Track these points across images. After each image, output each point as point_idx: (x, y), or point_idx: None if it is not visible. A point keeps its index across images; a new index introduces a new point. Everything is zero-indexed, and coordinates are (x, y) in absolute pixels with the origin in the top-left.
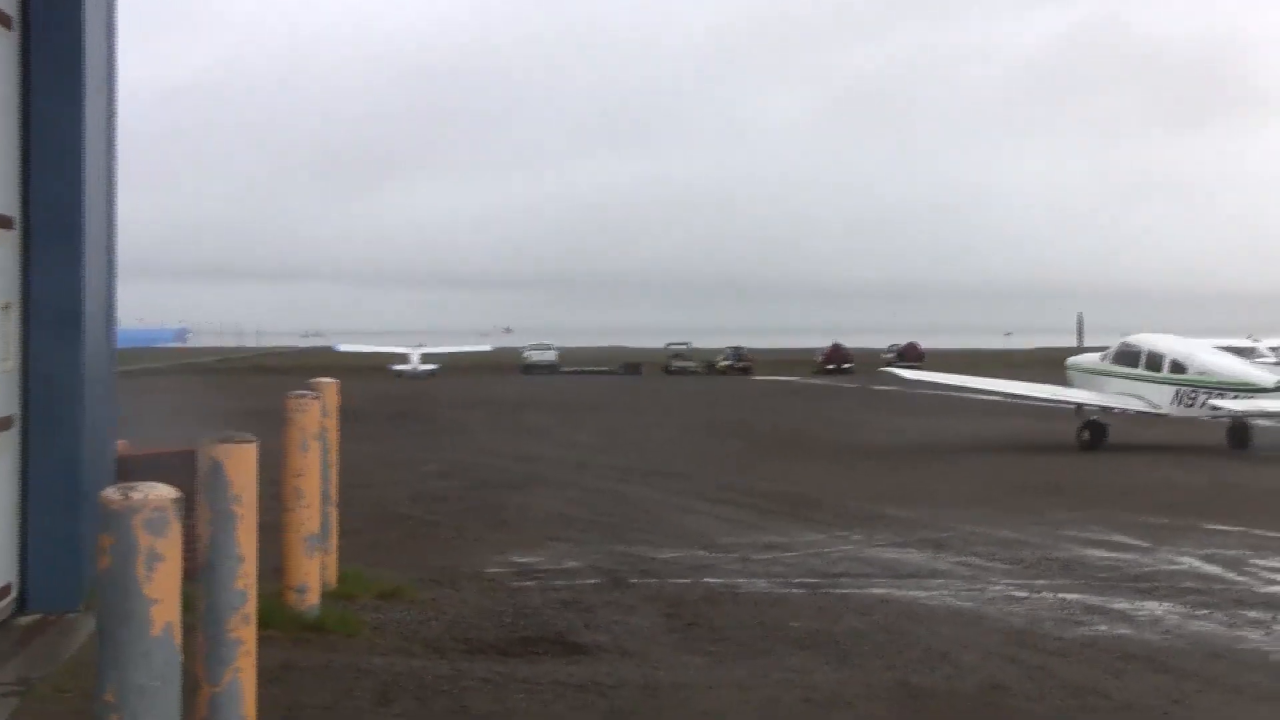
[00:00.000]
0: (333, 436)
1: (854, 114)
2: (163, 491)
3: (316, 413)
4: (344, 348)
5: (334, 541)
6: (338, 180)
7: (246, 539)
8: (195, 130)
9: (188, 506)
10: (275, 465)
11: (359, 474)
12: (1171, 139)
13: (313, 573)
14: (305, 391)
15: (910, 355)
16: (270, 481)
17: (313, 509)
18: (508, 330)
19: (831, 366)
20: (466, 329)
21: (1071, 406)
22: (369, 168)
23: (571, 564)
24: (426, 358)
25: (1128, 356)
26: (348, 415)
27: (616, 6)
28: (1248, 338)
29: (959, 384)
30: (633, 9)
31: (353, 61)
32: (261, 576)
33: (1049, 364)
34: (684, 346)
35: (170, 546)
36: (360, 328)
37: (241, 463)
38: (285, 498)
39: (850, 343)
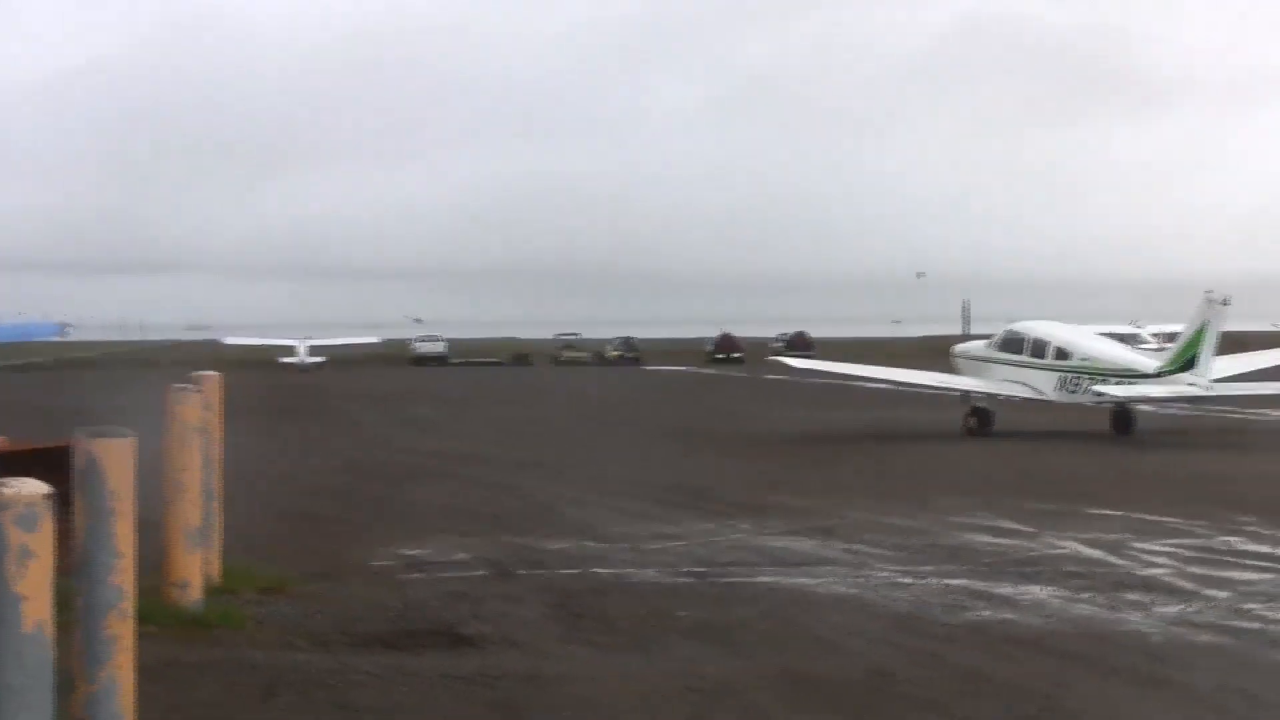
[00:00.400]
0: (215, 430)
1: (744, 105)
2: (34, 487)
3: (197, 406)
4: (231, 340)
5: (218, 536)
6: (222, 172)
7: (124, 535)
8: (73, 121)
9: (65, 502)
10: (159, 460)
11: (246, 467)
12: (1057, 129)
13: (195, 568)
14: (186, 385)
15: (800, 344)
16: (153, 476)
17: (194, 504)
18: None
19: (721, 356)
20: (358, 321)
21: (958, 394)
22: (253, 159)
23: (460, 556)
24: (314, 350)
25: (1012, 344)
26: (234, 408)
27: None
28: (1131, 324)
29: (847, 373)
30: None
31: (234, 51)
32: (144, 572)
33: (936, 352)
34: (574, 337)
35: (42, 543)
36: (248, 321)
37: (118, 458)
38: (166, 492)
39: (740, 332)
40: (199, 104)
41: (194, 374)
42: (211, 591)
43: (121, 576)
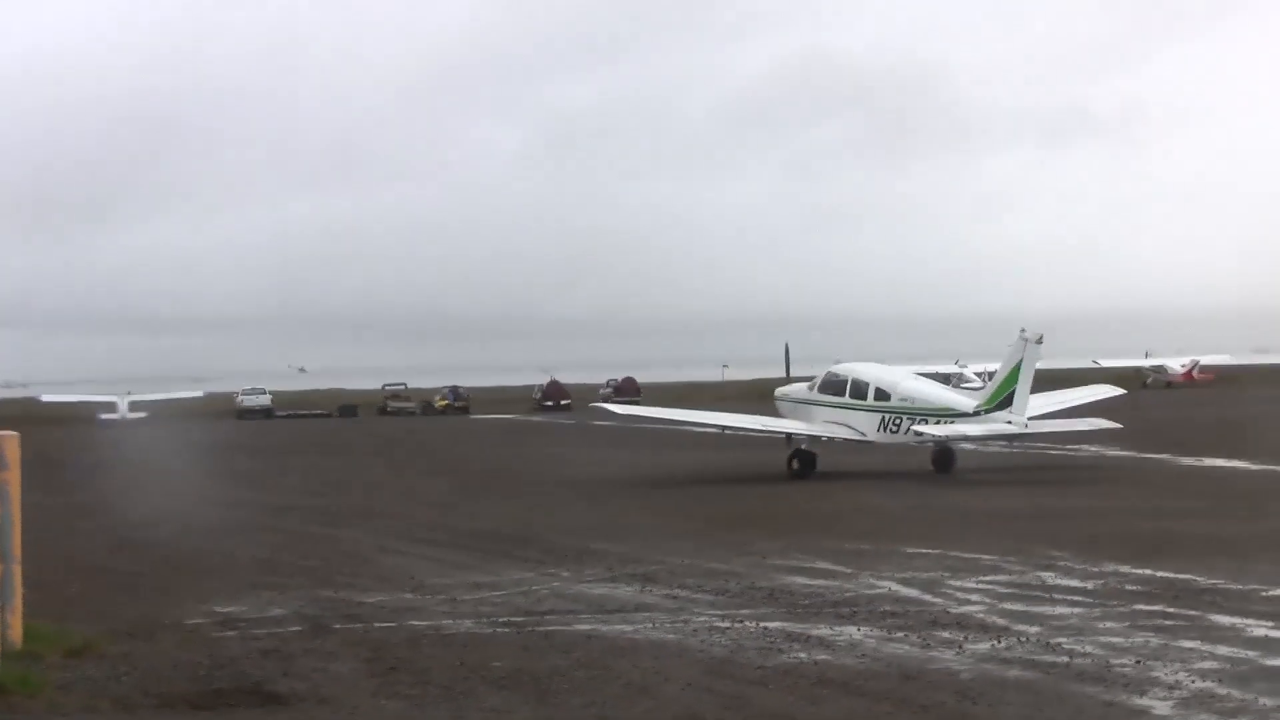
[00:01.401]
0: (13, 490)
1: (566, 148)
2: None
3: None
4: (48, 398)
5: (17, 599)
6: (33, 222)
7: None
8: None
9: None
10: None
11: (58, 525)
12: (877, 167)
13: None
14: None
15: (627, 390)
16: None
17: None
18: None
19: (549, 403)
20: (177, 374)
21: (782, 436)
22: (65, 209)
23: (275, 611)
24: (135, 405)
25: (833, 385)
26: (49, 465)
27: (316, 34)
28: (956, 363)
29: (671, 417)
30: (335, 40)
31: (43, 97)
32: None
33: (763, 395)
34: (400, 387)
35: None
36: (65, 377)
37: None
38: None
39: (568, 379)
40: (5, 154)
41: None
42: (10, 656)
43: None
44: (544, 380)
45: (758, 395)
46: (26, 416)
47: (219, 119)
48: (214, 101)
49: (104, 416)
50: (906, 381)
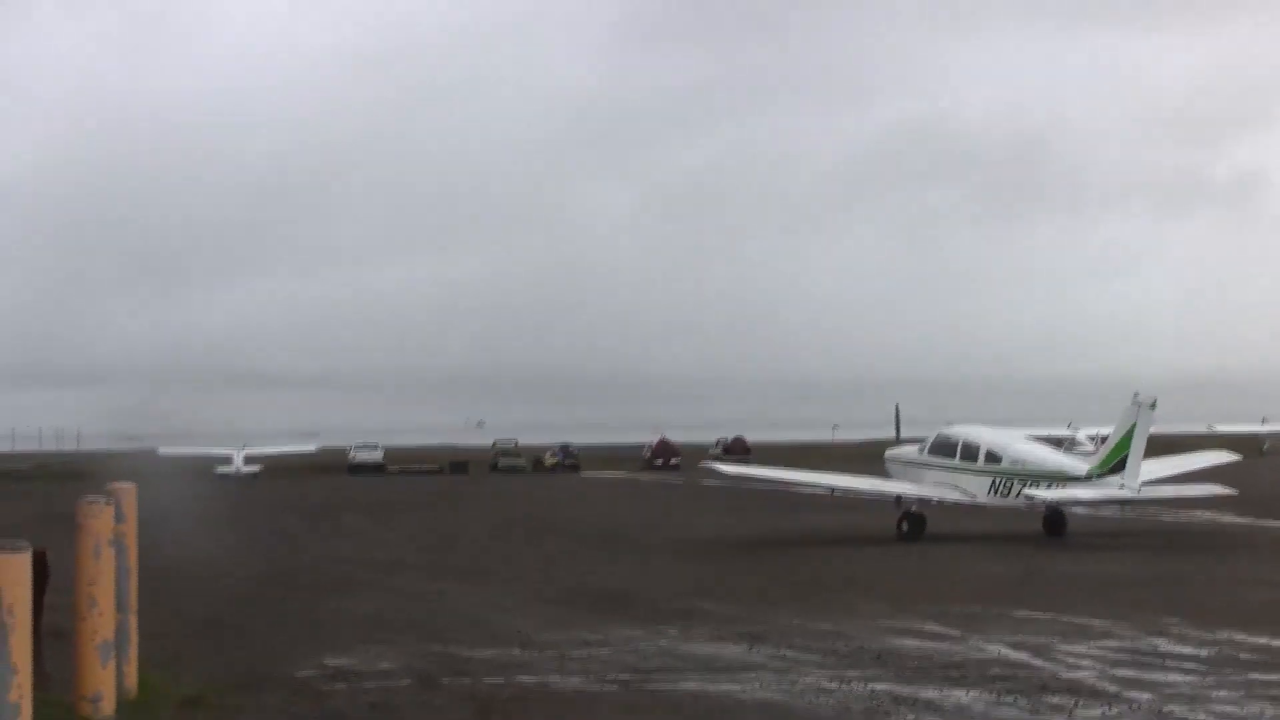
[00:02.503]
0: (130, 541)
1: (678, 211)
2: None
3: (109, 518)
4: (166, 451)
5: (133, 649)
6: (149, 281)
7: (19, 650)
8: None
9: None
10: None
11: (172, 579)
12: (990, 231)
13: (107, 681)
14: (98, 496)
15: (737, 449)
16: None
17: (106, 616)
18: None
19: (659, 462)
20: (295, 429)
21: (891, 498)
22: (177, 269)
23: (384, 665)
24: (250, 459)
25: (944, 447)
26: (165, 518)
27: (432, 98)
28: (1067, 427)
29: (781, 478)
30: (450, 104)
31: (164, 155)
32: (58, 686)
33: (872, 457)
34: (511, 444)
35: None
36: (181, 429)
37: (11, 572)
38: (78, 605)
39: (678, 437)
40: (115, 215)
41: (108, 485)
42: (126, 705)
43: (17, 693)
44: (654, 439)
45: (867, 457)
46: (144, 470)
47: (340, 184)
48: (335, 159)
49: (220, 469)
50: (1018, 444)
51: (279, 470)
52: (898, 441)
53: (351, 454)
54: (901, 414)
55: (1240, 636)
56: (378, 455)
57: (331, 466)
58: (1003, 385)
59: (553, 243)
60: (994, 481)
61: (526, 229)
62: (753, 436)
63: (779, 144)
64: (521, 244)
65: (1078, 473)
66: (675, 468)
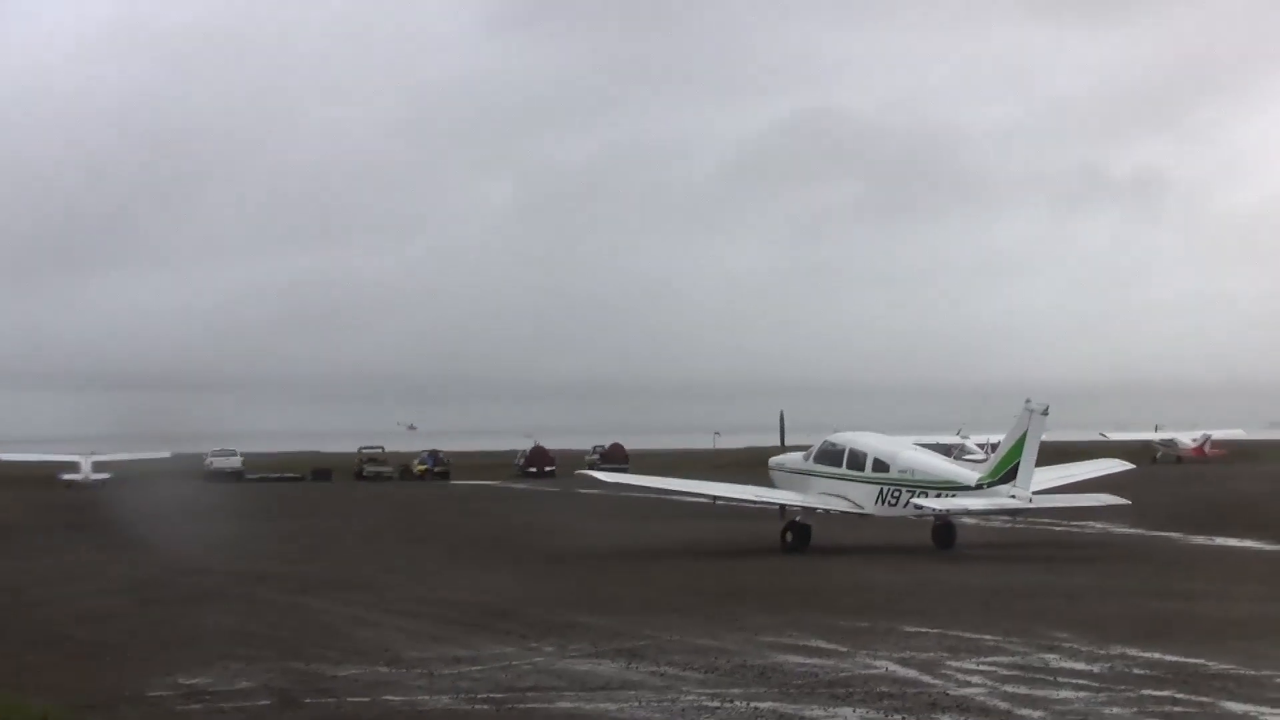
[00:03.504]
0: None
1: (554, 208)
2: None
3: None
4: (5, 456)
5: None
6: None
7: None
8: None
9: None
10: None
11: (15, 593)
12: (877, 230)
13: None
14: None
15: (615, 456)
16: None
17: None
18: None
19: (533, 469)
20: (148, 434)
21: (775, 508)
22: (28, 263)
23: (243, 684)
24: (99, 466)
25: (830, 455)
26: (3, 530)
27: (299, 90)
28: (957, 434)
29: (660, 486)
30: (315, 96)
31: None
32: None
33: (756, 464)
34: (378, 450)
35: None
36: (24, 434)
37: None
38: None
39: (553, 444)
40: None
41: None
42: None
43: None
44: (527, 445)
45: (751, 464)
46: None
47: (192, 180)
48: (190, 154)
49: (66, 476)
50: (906, 452)
51: (131, 478)
52: (782, 449)
53: (208, 460)
54: (786, 420)
55: (1133, 651)
56: (236, 462)
57: (188, 474)
58: (891, 391)
59: (418, 239)
60: (882, 491)
61: (395, 224)
62: (631, 444)
63: (663, 142)
64: (384, 241)
65: (968, 481)
66: (550, 475)
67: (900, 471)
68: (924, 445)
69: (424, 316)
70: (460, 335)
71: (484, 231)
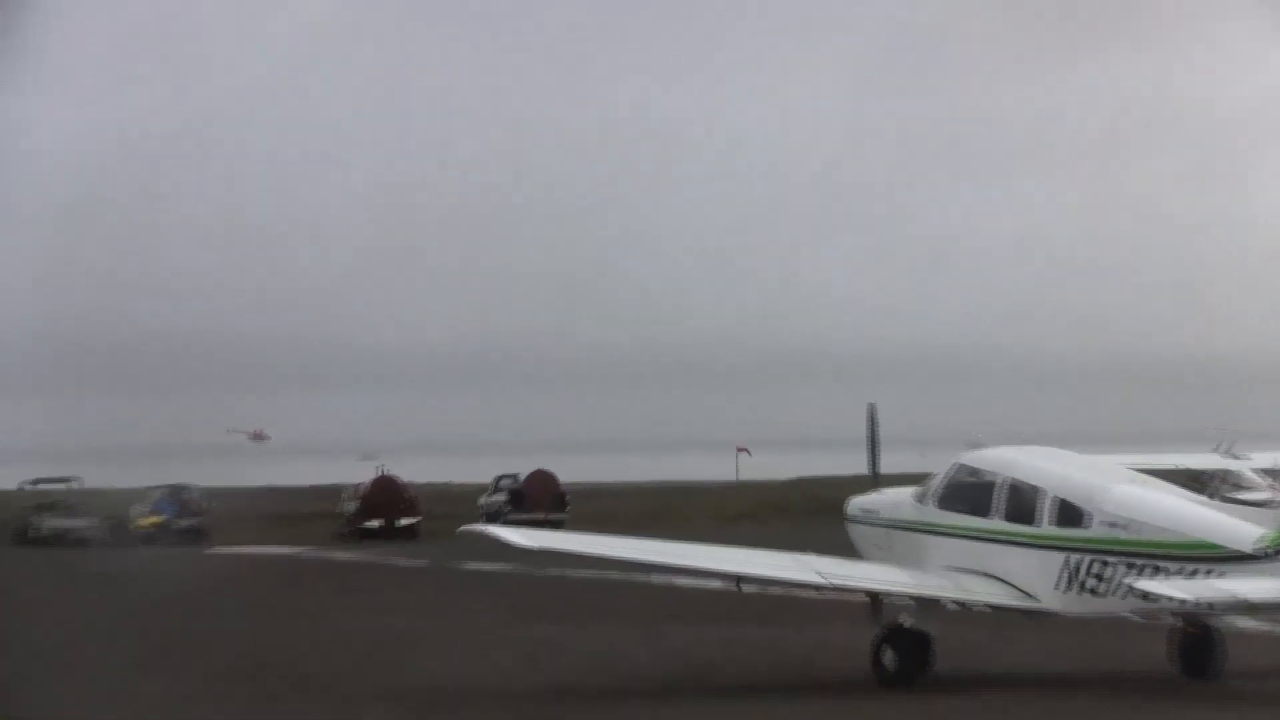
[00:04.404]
0: None
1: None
2: None
3: None
4: None
5: None
6: None
7: None
8: None
9: None
10: None
11: None
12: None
13: None
14: None
15: (538, 498)
16: None
17: None
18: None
19: (374, 524)
20: None
21: (863, 598)
22: None
23: None
24: None
25: (968, 493)
26: None
27: None
28: (1219, 448)
29: (631, 557)
30: None
31: None
32: None
33: (819, 509)
34: (61, 486)
35: None
36: None
37: None
38: None
39: (415, 474)
40: None
41: None
42: None
43: None
44: (365, 480)
45: (805, 508)
46: None
47: None
48: None
49: None
50: (1119, 487)
51: None
52: (874, 479)
53: None
54: (879, 423)
55: None
56: None
57: None
58: (1080, 370)
59: None
60: (1069, 562)
61: None
62: (572, 470)
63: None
64: None
65: (1239, 544)
66: (411, 533)
67: (1108, 524)
68: (1149, 471)
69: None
70: None
71: None
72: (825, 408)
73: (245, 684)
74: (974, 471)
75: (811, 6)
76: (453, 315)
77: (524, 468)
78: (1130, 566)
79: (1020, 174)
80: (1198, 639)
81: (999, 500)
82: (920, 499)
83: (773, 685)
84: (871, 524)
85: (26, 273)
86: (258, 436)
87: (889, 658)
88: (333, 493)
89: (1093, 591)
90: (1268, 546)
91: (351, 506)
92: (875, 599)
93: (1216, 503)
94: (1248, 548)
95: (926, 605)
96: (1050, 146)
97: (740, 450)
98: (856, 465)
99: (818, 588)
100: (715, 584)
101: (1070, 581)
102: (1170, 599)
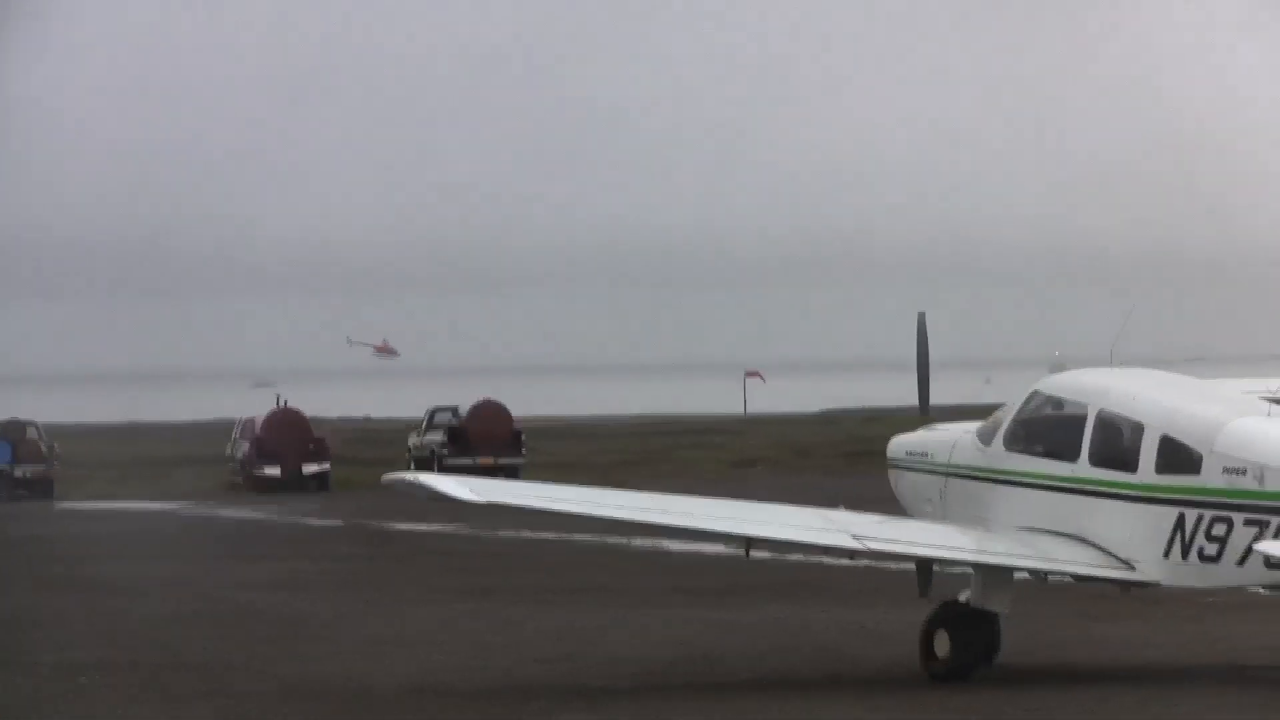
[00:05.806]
0: None
1: None
2: None
3: None
4: None
5: None
6: None
7: None
8: None
9: None
10: None
11: None
12: None
13: None
14: None
15: (486, 438)
16: None
17: None
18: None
19: (272, 470)
20: None
21: (909, 564)
22: None
23: None
24: None
25: (1047, 428)
26: None
27: None
28: None
29: (602, 514)
30: None
31: None
32: None
33: (857, 453)
34: None
35: None
36: None
37: None
38: None
39: (321, 407)
40: None
41: None
42: None
43: None
44: (258, 412)
45: (834, 450)
46: None
47: None
48: None
49: None
50: (1244, 420)
51: None
52: (924, 414)
53: None
54: (929, 338)
55: None
56: None
57: None
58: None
59: None
60: (1179, 520)
61: None
62: (526, 405)
63: None
64: None
65: None
66: (321, 483)
67: (1229, 470)
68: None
69: None
70: None
71: None
72: (862, 319)
73: (103, 678)
74: (1055, 402)
75: None
76: (362, 206)
77: (466, 398)
78: (1257, 525)
79: None
80: None
81: (1088, 440)
82: (985, 438)
83: (790, 681)
84: (921, 471)
85: None
86: (384, 351)
87: (943, 644)
88: (220, 430)
89: (1208, 558)
90: None
91: (243, 448)
92: (925, 568)
93: None
94: None
95: (992, 576)
96: None
97: (750, 375)
98: (902, 394)
99: (851, 553)
100: (717, 548)
101: (1179, 545)
102: None
